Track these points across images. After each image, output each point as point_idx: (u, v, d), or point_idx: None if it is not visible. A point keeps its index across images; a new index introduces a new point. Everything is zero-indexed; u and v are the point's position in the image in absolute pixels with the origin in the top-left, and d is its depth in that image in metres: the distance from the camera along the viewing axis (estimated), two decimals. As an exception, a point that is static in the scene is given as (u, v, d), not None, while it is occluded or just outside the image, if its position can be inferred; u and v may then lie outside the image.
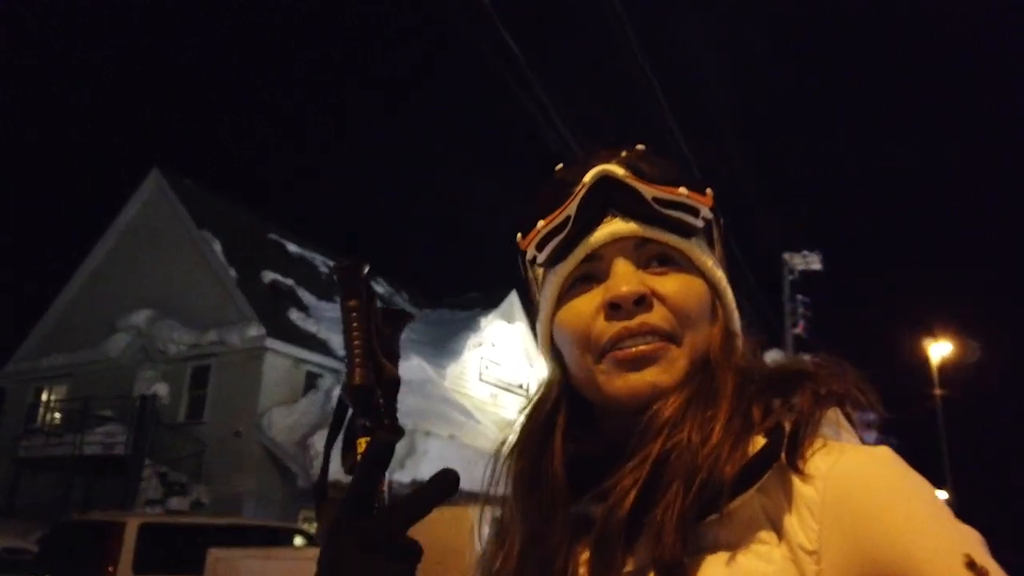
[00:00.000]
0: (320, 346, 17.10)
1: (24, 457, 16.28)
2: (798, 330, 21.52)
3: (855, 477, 0.61)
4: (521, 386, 21.99)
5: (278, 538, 9.90)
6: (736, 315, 0.78)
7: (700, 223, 0.74)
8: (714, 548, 0.62)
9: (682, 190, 0.72)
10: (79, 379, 17.69)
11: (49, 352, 18.56)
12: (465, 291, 24.74)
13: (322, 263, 21.56)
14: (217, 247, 17.37)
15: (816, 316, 22.24)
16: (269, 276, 18.18)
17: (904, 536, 0.58)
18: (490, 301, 21.76)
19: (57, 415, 17.99)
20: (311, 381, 16.52)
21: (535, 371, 21.76)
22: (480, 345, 20.49)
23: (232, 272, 17.04)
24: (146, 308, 17.13)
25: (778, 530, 0.62)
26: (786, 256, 22.69)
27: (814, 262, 22.19)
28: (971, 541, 0.58)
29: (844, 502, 0.60)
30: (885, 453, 0.64)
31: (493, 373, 21.05)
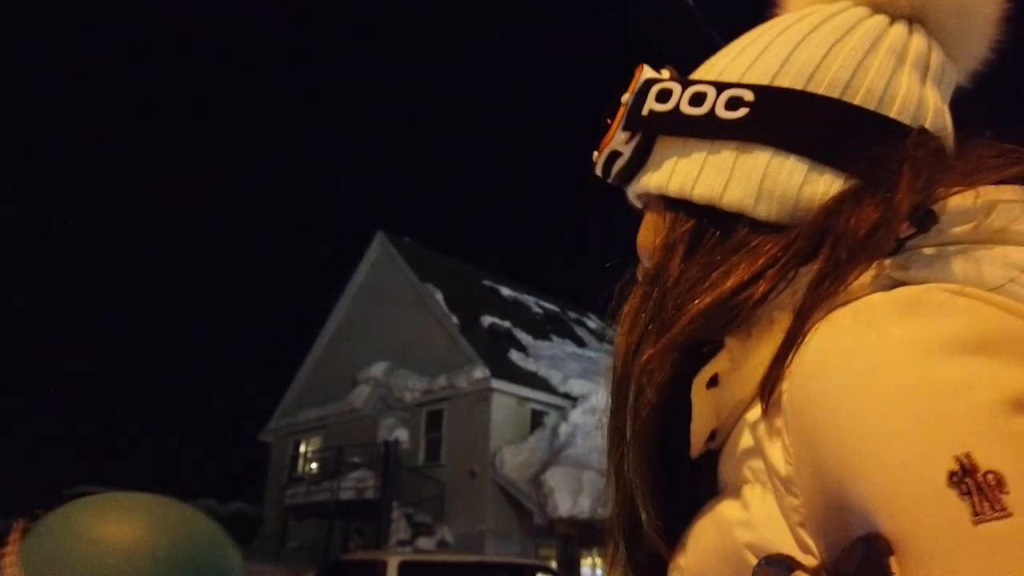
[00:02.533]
0: (541, 384, 17.36)
1: (290, 504, 17.94)
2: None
3: (816, 361, 0.40)
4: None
5: (523, 574, 10.12)
6: None
7: None
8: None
9: None
10: (330, 430, 19.33)
11: (304, 407, 20.50)
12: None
13: (534, 303, 22.07)
14: (439, 297, 18.37)
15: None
16: (487, 320, 18.88)
17: (855, 449, 0.35)
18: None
19: (314, 464, 19.74)
20: (537, 419, 16.77)
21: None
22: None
23: (454, 319, 17.90)
24: (382, 360, 18.43)
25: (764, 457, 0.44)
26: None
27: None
28: (972, 435, 0.33)
29: (802, 402, 0.39)
30: (870, 307, 0.40)
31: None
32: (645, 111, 0.56)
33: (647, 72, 0.58)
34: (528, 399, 16.85)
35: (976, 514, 0.31)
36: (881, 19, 0.54)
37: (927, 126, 0.50)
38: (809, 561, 0.38)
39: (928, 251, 0.42)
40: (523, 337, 19.08)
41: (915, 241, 0.43)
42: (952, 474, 0.32)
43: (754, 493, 0.44)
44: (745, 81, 0.53)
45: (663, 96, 0.55)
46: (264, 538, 19.24)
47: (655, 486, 0.51)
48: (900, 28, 0.54)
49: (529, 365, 17.68)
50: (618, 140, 0.58)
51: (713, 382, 0.48)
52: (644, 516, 0.52)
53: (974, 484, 0.31)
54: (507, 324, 19.27)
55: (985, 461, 0.31)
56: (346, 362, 19.52)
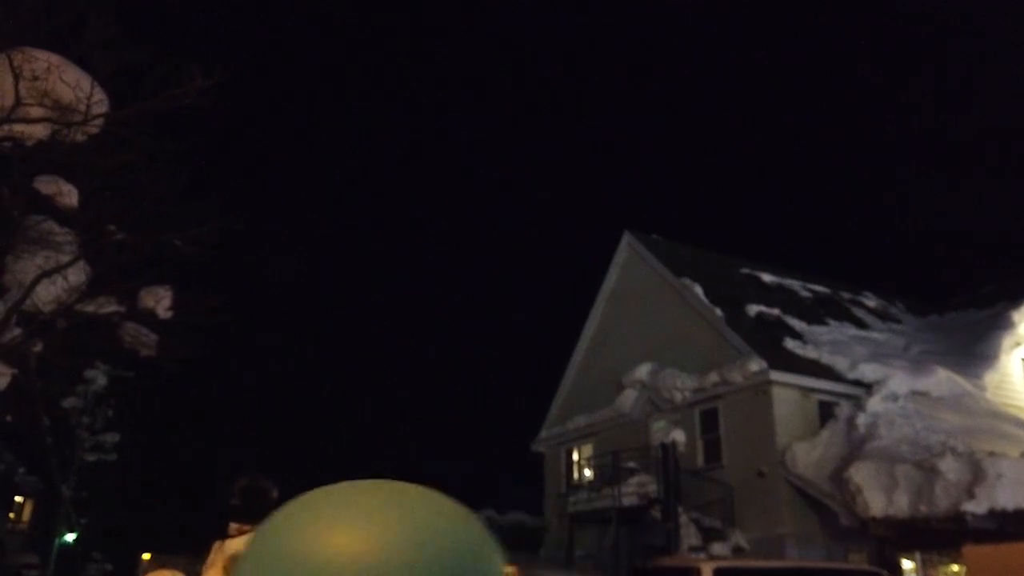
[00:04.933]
0: (825, 372, 15.86)
1: (572, 512, 18.01)
2: None
3: None
4: (1087, 387, 17.56)
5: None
6: None
7: None
8: None
9: None
10: (601, 436, 19.20)
11: (571, 416, 20.60)
12: (971, 288, 21.18)
13: (800, 287, 20.42)
14: (698, 291, 17.56)
15: None
16: (753, 309, 17.71)
17: None
18: (1017, 291, 18.03)
19: (588, 472, 19.72)
20: (826, 410, 15.31)
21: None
22: (1019, 344, 16.95)
23: (718, 312, 16.98)
24: (646, 362, 17.96)
25: None
26: None
27: None
28: None
29: None
30: None
31: (1044, 376, 17.18)
32: None
33: None
34: (813, 389, 15.46)
35: None
36: None
37: None
38: None
39: None
40: (796, 323, 17.65)
41: None
42: None
43: None
44: None
45: None
46: (550, 546, 19.54)
47: None
48: None
49: (808, 353, 16.25)
50: None
51: None
52: None
53: None
54: (776, 311, 17.95)
55: None
56: (609, 367, 19.32)
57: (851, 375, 15.54)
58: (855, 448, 13.57)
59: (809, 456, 14.30)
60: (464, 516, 0.62)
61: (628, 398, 18.47)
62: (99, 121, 6.59)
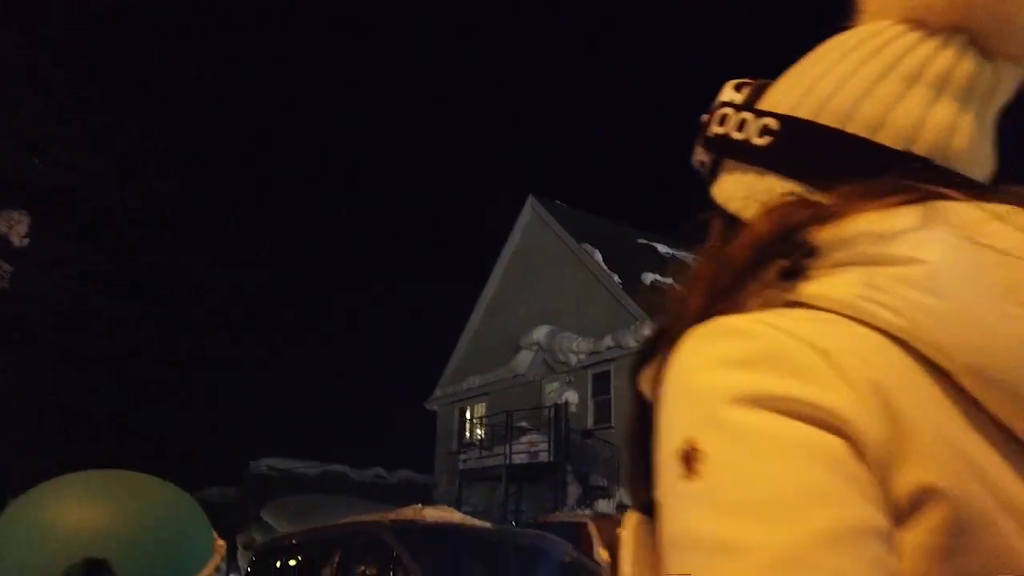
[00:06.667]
0: (713, 340, 16.42)
1: (463, 469, 18.09)
2: None
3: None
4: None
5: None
6: None
7: None
8: None
9: None
10: (495, 396, 19.31)
11: (466, 375, 20.62)
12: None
13: (693, 260, 21.01)
14: (598, 257, 17.79)
15: None
16: (649, 277, 18.09)
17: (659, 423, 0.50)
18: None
19: (480, 431, 19.82)
20: (711, 377, 15.90)
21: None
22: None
23: (616, 278, 17.27)
24: (544, 324, 18.11)
25: None
26: None
27: None
28: (699, 423, 0.46)
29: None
30: (698, 331, 0.50)
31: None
32: (711, 132, 0.62)
33: (726, 93, 0.63)
34: (701, 356, 15.99)
35: (682, 476, 0.44)
36: (910, 39, 0.55)
37: (919, 146, 0.54)
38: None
39: (812, 273, 0.49)
40: (688, 293, 18.17)
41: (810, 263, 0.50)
42: (679, 450, 0.45)
43: None
44: (775, 110, 0.58)
45: (723, 120, 0.61)
46: (439, 503, 19.59)
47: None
48: (928, 46, 0.55)
49: (698, 321, 16.78)
50: (699, 154, 0.65)
51: None
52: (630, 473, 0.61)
53: (687, 457, 0.44)
54: (669, 281, 18.38)
55: (699, 443, 0.44)
56: (506, 328, 19.39)
57: (737, 344, 16.15)
58: (736, 412, 14.14)
59: (693, 419, 14.82)
60: (179, 497, 0.82)
61: (524, 359, 18.60)
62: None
